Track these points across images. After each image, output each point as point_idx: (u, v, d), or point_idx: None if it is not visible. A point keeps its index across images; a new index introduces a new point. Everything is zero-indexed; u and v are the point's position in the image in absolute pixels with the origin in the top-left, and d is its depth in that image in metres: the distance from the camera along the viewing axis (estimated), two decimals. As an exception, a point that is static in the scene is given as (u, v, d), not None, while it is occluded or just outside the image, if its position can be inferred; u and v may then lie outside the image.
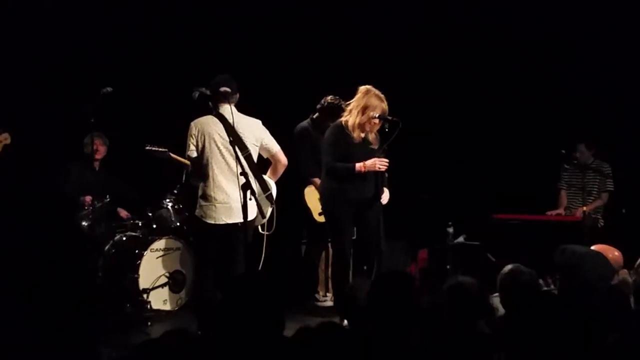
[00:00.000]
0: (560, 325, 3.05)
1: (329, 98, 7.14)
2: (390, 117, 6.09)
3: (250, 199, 4.94)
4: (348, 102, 6.21)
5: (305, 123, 7.34)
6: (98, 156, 7.61)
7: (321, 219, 6.80)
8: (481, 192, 8.43)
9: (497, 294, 4.06)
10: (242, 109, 5.70)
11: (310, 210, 7.20)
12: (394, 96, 6.22)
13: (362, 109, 6.04)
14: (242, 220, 5.08)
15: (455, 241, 8.05)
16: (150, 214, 7.53)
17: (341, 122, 6.16)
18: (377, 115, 6.04)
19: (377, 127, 6.12)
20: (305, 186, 7.25)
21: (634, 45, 7.77)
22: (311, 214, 7.19)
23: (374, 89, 6.08)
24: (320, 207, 6.60)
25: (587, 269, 3.51)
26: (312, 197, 7.14)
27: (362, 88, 6.11)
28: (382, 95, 6.05)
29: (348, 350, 2.61)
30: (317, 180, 6.75)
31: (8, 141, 6.34)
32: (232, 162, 5.38)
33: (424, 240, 8.46)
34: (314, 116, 7.26)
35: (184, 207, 7.47)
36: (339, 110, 6.63)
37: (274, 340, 2.89)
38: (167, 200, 7.49)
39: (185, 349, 2.48)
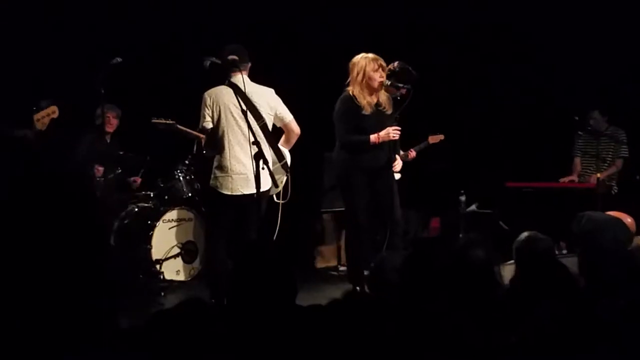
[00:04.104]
0: (578, 293, 3.03)
1: None
2: (401, 85, 6.07)
3: (263, 169, 4.91)
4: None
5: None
6: (109, 129, 7.55)
7: None
8: (494, 160, 8.39)
9: (511, 261, 4.03)
10: (255, 78, 5.66)
11: None
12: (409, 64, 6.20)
13: (357, 74, 6.03)
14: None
15: (468, 209, 8.04)
16: (162, 185, 7.52)
17: (349, 93, 6.12)
18: (388, 83, 6.04)
19: (382, 80, 6.06)
20: None
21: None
22: None
23: (359, 55, 6.08)
24: None
25: (605, 235, 3.49)
26: None
27: (351, 62, 6.12)
28: (369, 55, 6.05)
29: (373, 321, 2.59)
30: None
31: (56, 115, 6.17)
32: (248, 131, 5.34)
33: (436, 209, 8.46)
34: None
35: (196, 178, 7.46)
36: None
37: (286, 307, 2.89)
38: (179, 171, 7.48)
39: (200, 317, 2.47)
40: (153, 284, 6.90)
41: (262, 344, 2.67)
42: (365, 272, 6.03)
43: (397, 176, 6.60)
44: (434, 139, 7.76)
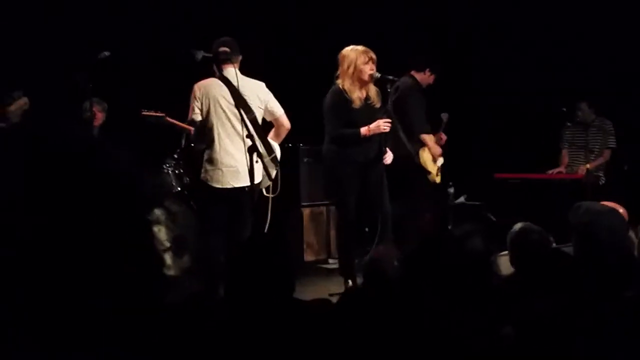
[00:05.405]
0: (576, 283, 3.04)
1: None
2: (391, 77, 6.08)
3: (257, 162, 4.91)
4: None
5: (410, 80, 7.01)
6: (96, 123, 7.49)
7: (438, 179, 7.00)
8: (482, 151, 8.40)
9: (503, 252, 4.04)
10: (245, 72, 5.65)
11: (427, 172, 6.98)
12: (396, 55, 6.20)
13: (347, 67, 6.01)
14: (248, 184, 5.04)
15: (456, 201, 8.06)
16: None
17: (339, 86, 6.10)
18: (378, 75, 6.03)
19: (372, 73, 6.03)
20: (418, 145, 6.98)
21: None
22: (427, 176, 7.01)
23: (348, 47, 6.06)
24: (436, 168, 6.87)
25: (603, 225, 3.50)
26: (429, 159, 6.98)
27: (340, 54, 6.09)
28: (359, 47, 6.03)
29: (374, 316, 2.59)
30: (426, 137, 6.89)
31: (27, 106, 6.08)
32: (238, 125, 5.33)
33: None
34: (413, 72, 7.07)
35: (185, 172, 7.43)
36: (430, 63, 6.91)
37: (284, 302, 2.88)
38: (168, 165, 7.44)
39: (207, 313, 2.46)
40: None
41: (262, 339, 2.66)
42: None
43: (441, 160, 6.75)
44: (445, 116, 7.63)
